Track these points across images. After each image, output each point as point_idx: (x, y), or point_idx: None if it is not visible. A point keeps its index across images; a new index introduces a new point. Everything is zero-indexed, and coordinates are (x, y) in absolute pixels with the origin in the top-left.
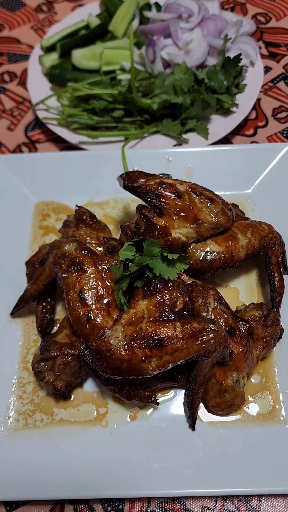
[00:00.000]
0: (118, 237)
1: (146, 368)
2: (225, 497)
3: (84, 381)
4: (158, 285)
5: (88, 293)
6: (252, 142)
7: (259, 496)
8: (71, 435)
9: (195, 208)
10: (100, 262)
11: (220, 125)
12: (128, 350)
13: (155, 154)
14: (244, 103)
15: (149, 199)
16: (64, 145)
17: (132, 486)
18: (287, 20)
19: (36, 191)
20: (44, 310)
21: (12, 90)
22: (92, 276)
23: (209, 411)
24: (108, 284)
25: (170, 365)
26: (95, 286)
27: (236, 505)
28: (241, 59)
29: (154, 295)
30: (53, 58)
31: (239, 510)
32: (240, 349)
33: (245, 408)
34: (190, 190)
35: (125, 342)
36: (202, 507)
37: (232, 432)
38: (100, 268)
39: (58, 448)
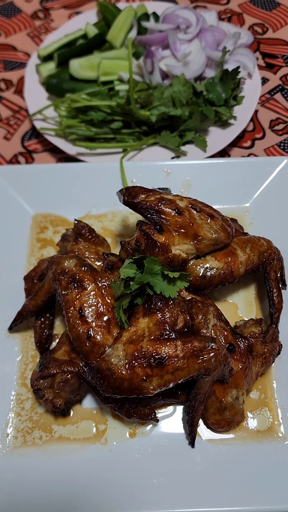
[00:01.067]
0: (116, 251)
1: (147, 388)
2: None
3: (83, 397)
4: (159, 303)
5: (88, 310)
6: (249, 154)
7: None
8: (70, 452)
9: (195, 225)
10: (100, 278)
11: (218, 137)
12: (129, 370)
13: (154, 166)
14: (241, 115)
15: (149, 216)
16: (61, 156)
17: (132, 505)
18: (283, 31)
19: (33, 203)
20: (42, 326)
21: (8, 99)
22: (92, 293)
23: (208, 427)
24: (108, 301)
25: (171, 384)
26: (95, 303)
27: None
28: (239, 71)
29: (154, 313)
30: (50, 67)
31: None
32: (240, 366)
33: (244, 424)
34: (190, 206)
35: (126, 361)
36: None
37: (231, 449)
38: (100, 284)
39: (57, 466)
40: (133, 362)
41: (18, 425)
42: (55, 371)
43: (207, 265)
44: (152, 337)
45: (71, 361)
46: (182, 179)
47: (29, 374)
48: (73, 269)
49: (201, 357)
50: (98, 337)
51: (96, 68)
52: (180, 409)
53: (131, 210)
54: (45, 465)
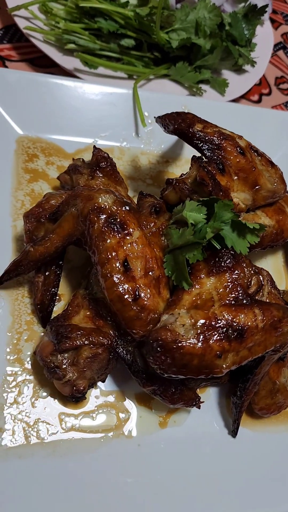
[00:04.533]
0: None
1: (220, 366)
2: None
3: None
4: (229, 260)
5: (135, 263)
6: None
7: None
8: (87, 450)
9: (256, 170)
10: (145, 223)
11: (233, 82)
12: (202, 343)
13: (171, 100)
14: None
15: (209, 152)
16: (44, 70)
17: None
18: None
19: (19, 120)
20: (47, 282)
21: None
22: (138, 240)
23: (249, 413)
24: (157, 253)
25: (245, 361)
26: (142, 254)
27: None
28: (267, 11)
29: (223, 272)
30: None
31: None
32: None
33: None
34: (250, 147)
35: (198, 331)
36: None
37: (274, 438)
38: (145, 231)
39: (71, 469)
40: (206, 333)
41: (15, 415)
42: (80, 342)
43: (260, 221)
44: (223, 302)
45: (99, 329)
46: None
47: (24, 346)
48: (112, 207)
49: (279, 330)
50: (147, 299)
51: None
52: (214, 391)
53: (141, 149)
54: (55, 469)
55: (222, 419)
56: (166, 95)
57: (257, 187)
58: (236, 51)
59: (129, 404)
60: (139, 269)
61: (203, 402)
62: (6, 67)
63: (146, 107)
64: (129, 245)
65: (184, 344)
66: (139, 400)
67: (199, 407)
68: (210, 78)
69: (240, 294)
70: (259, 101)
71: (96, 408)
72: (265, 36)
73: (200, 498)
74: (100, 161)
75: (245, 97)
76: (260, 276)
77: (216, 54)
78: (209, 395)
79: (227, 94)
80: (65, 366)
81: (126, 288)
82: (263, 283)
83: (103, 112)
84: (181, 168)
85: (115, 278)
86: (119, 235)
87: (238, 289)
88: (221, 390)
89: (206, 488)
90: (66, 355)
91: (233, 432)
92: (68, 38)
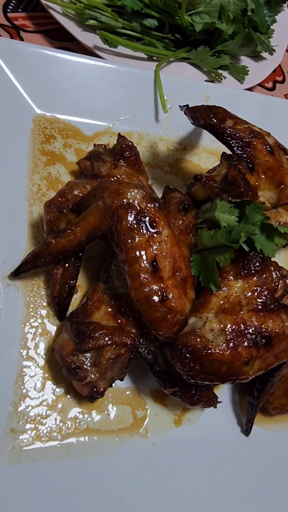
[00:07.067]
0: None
1: (246, 373)
2: None
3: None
4: (257, 264)
5: (164, 263)
6: None
7: None
8: (102, 451)
9: (283, 170)
10: (173, 220)
11: (250, 70)
12: (232, 350)
13: (192, 86)
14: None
15: (239, 150)
16: (59, 45)
17: None
18: None
19: (37, 98)
20: (65, 274)
21: None
22: (167, 239)
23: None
24: (184, 252)
25: (270, 367)
26: (170, 254)
27: None
28: None
29: (251, 275)
30: None
31: None
32: None
33: None
34: (278, 146)
35: (227, 337)
36: None
37: (283, 436)
38: (174, 229)
39: (86, 472)
40: (235, 339)
41: (29, 414)
42: (103, 342)
43: (282, 219)
44: (251, 307)
45: (122, 328)
46: None
47: (40, 341)
48: (142, 204)
49: None
50: (174, 300)
51: None
52: (227, 387)
53: (160, 135)
54: (69, 473)
55: (234, 416)
56: (186, 80)
57: (282, 186)
58: (258, 38)
59: (145, 401)
60: (167, 269)
61: (221, 402)
62: (21, 38)
63: (165, 91)
64: (158, 244)
65: (213, 351)
66: (154, 397)
67: (215, 407)
68: (229, 64)
69: (268, 299)
70: (273, 88)
71: (112, 406)
72: (282, 23)
73: (216, 498)
74: (125, 150)
75: (260, 83)
76: (286, 281)
77: (237, 40)
78: (223, 392)
79: (245, 81)
80: (86, 367)
81: (154, 289)
82: None
83: (123, 94)
84: (198, 156)
85: (143, 278)
86: (148, 233)
87: (266, 293)
88: (233, 386)
89: (222, 488)
90: (87, 355)
91: (247, 431)
92: (90, 14)
